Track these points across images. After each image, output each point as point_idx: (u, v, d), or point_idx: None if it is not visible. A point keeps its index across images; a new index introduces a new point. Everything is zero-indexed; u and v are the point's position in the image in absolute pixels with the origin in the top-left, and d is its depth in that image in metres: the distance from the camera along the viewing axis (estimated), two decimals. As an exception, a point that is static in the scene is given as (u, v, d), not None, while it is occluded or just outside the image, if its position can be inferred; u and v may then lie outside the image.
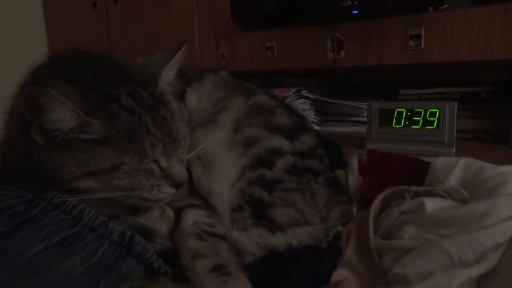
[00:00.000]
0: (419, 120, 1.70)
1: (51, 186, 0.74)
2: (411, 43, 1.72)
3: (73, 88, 0.71)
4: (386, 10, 1.73)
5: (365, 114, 1.72)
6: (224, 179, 0.91)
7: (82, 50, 0.81)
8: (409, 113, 1.73)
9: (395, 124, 1.74)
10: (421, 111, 1.70)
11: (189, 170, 0.91)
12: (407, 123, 1.73)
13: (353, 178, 1.09)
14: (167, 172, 0.79)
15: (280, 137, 0.94)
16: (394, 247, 0.84)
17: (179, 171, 0.79)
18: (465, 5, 1.65)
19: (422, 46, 1.69)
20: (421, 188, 0.88)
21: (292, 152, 0.94)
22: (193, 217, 0.86)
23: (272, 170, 0.92)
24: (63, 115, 0.69)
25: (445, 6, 1.66)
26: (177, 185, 0.80)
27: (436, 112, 1.67)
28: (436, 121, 1.67)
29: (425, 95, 1.82)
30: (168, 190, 0.80)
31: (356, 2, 1.78)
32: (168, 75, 0.83)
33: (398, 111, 1.74)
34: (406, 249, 0.82)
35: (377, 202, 0.91)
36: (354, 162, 1.14)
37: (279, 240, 0.86)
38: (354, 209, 1.00)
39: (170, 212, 0.87)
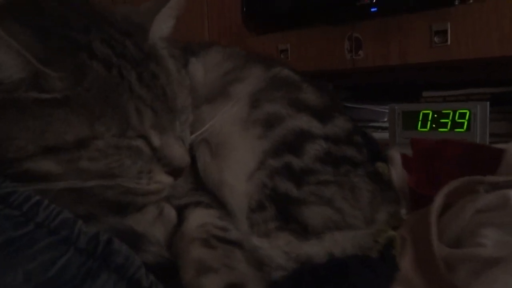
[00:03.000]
0: (447, 122, 1.45)
1: None
2: (436, 39, 1.47)
3: (25, 30, 0.46)
4: (407, 6, 1.50)
5: (385, 119, 1.49)
6: (240, 168, 0.64)
7: None
8: (435, 115, 1.48)
9: (420, 128, 1.50)
10: (449, 113, 1.46)
11: (193, 158, 0.64)
12: (434, 126, 1.48)
13: (396, 173, 0.81)
14: (161, 152, 0.52)
15: (309, 117, 0.68)
16: (471, 257, 0.56)
17: (178, 151, 0.53)
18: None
19: (449, 42, 1.44)
20: (501, 178, 0.61)
21: (325, 136, 0.68)
22: (199, 217, 0.59)
23: (300, 158, 0.65)
24: (7, 61, 0.44)
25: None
26: (175, 172, 0.54)
27: (466, 113, 1.42)
28: (466, 123, 1.42)
29: (451, 97, 1.55)
30: (162, 179, 0.53)
31: (374, 0, 1.55)
32: (162, 26, 0.57)
33: (423, 113, 1.49)
34: (489, 259, 0.55)
35: (439, 200, 0.63)
36: (395, 155, 0.86)
37: (314, 249, 0.59)
38: (403, 210, 0.73)
39: (171, 213, 0.60)
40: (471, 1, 1.44)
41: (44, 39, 0.47)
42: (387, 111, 1.57)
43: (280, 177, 0.64)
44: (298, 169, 0.64)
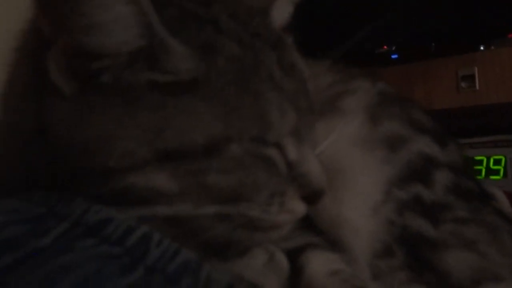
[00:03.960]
0: (481, 169, 1.37)
1: (81, 186, 0.32)
2: (463, 84, 1.41)
3: None
4: (429, 53, 1.45)
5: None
6: (363, 200, 0.49)
7: None
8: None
9: (453, 175, 1.40)
10: (483, 160, 1.38)
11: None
12: (467, 173, 1.38)
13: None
14: (297, 169, 0.37)
15: (430, 140, 0.55)
16: None
17: (317, 168, 0.38)
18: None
19: (477, 87, 1.38)
20: None
21: (448, 164, 0.55)
22: (323, 264, 0.44)
23: (431, 188, 0.51)
24: (127, 17, 0.30)
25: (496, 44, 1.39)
26: (311, 197, 0.39)
27: (501, 159, 1.35)
28: (502, 169, 1.34)
29: (477, 144, 1.47)
30: (295, 207, 0.38)
31: (394, 48, 1.49)
32: (282, 13, 0.44)
33: (455, 160, 1.40)
34: None
35: None
36: (498, 193, 0.74)
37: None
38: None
39: (282, 259, 0.44)
40: (492, 47, 1.40)
41: (158, 7, 0.33)
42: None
43: (411, 213, 0.49)
44: (430, 203, 0.50)
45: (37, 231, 0.29)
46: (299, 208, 0.38)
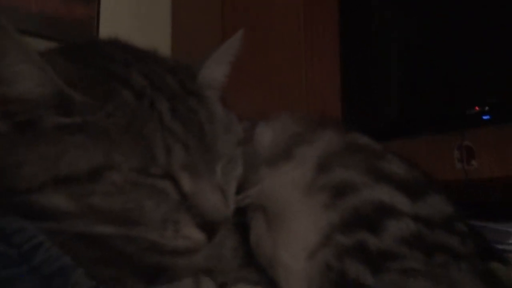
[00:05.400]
0: None
1: (4, 203, 0.42)
2: None
3: (64, 59, 0.43)
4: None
5: (512, 241, 1.21)
6: (298, 242, 0.50)
7: (113, 38, 0.54)
8: None
9: None
10: None
11: (247, 226, 0.53)
12: None
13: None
14: (192, 200, 0.42)
15: (391, 189, 0.53)
16: None
17: (212, 200, 0.43)
18: None
19: None
20: None
21: (414, 215, 0.52)
22: None
23: (379, 236, 0.50)
24: (25, 71, 0.41)
25: None
26: (208, 227, 0.43)
27: None
28: None
29: None
30: (192, 234, 0.43)
31: (486, 108, 1.39)
32: (214, 71, 0.52)
33: None
34: None
35: None
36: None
37: None
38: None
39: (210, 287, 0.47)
40: None
41: (81, 68, 0.44)
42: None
43: (351, 258, 0.48)
44: (375, 250, 0.49)
45: None
46: (196, 235, 0.42)
